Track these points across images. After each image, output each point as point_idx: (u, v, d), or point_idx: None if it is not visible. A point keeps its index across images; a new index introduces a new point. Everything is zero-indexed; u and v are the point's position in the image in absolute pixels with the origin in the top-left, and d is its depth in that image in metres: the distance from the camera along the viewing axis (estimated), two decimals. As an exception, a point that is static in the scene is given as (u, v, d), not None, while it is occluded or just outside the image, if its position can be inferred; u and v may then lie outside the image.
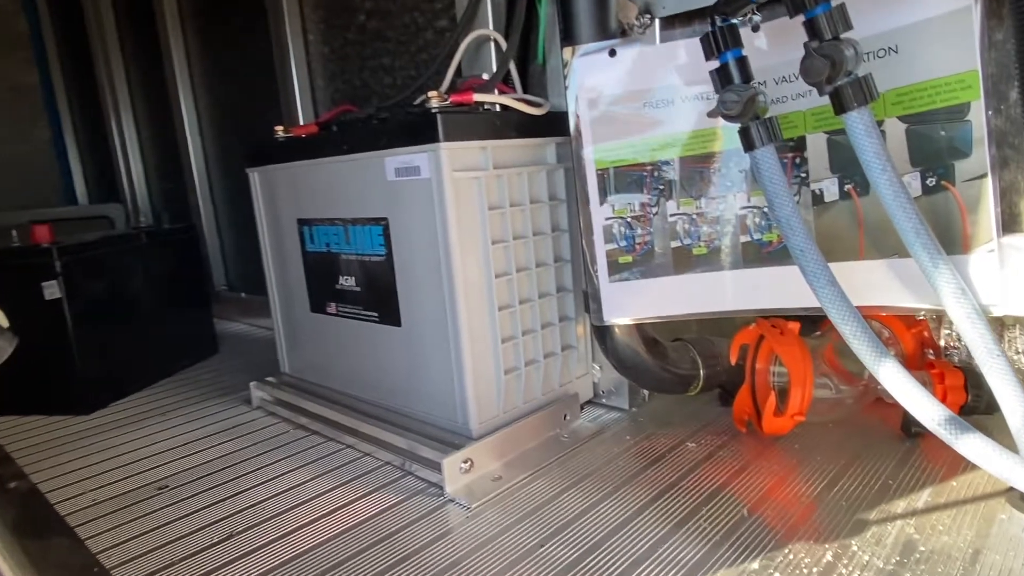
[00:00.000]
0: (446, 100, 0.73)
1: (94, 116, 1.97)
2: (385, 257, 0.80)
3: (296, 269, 0.95)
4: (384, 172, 0.77)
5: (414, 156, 0.73)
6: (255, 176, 0.99)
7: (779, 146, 0.63)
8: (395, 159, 0.75)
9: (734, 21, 0.61)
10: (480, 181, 0.73)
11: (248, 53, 1.47)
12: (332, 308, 0.91)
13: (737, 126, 0.62)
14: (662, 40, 0.71)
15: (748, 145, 0.61)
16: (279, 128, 0.96)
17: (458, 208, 0.71)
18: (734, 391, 0.83)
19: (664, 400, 0.91)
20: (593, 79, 0.73)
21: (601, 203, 0.75)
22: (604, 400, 0.91)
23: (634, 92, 0.72)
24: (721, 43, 0.61)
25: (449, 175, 0.70)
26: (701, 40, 0.62)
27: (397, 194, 0.76)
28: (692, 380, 0.83)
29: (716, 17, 0.61)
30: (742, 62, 0.61)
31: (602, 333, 0.79)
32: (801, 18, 0.57)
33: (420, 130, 0.71)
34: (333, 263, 0.88)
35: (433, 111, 0.71)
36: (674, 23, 0.71)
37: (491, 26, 0.91)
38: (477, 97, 0.74)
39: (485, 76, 0.94)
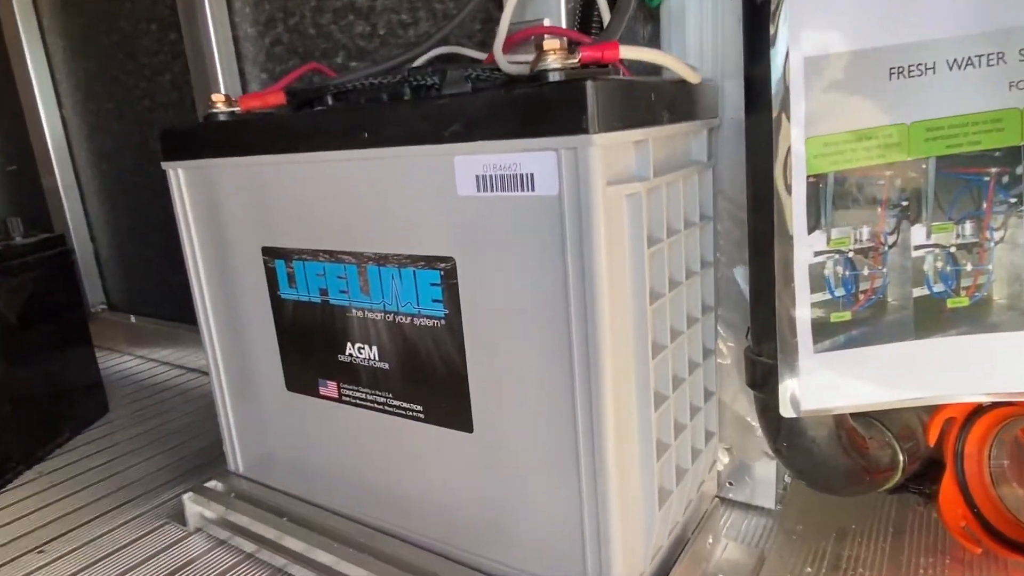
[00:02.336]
0: (573, 57, 0.41)
1: None
2: (445, 320, 0.48)
3: (259, 323, 0.60)
4: (451, 182, 0.44)
5: (524, 157, 0.41)
6: (179, 176, 0.61)
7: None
8: (478, 160, 0.42)
9: None
10: (639, 199, 0.42)
11: (128, -13, 1.04)
12: (330, 389, 0.57)
13: None
14: (921, -36, 0.43)
15: None
16: (218, 99, 0.59)
17: (609, 245, 0.40)
18: (936, 482, 0.59)
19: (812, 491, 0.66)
20: (818, 24, 0.44)
21: (811, 230, 0.47)
22: (731, 495, 0.64)
23: (874, 52, 0.44)
24: None
25: (600, 190, 0.39)
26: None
27: (477, 220, 0.44)
28: (891, 475, 0.58)
29: None
30: None
31: (786, 426, 0.52)
32: None
33: (545, 110, 0.39)
34: (334, 321, 0.55)
35: (566, 78, 0.40)
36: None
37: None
38: (625, 52, 0.42)
39: (547, 21, 0.62)
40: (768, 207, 0.48)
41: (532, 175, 0.41)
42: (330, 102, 0.53)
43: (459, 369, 0.48)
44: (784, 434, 0.53)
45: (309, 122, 0.50)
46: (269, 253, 0.57)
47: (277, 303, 0.58)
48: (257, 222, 0.57)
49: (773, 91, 0.45)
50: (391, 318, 0.51)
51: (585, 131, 0.38)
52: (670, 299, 0.47)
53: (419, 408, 0.52)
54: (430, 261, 0.47)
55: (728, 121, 0.56)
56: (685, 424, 0.52)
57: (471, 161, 0.43)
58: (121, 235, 1.25)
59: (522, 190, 0.41)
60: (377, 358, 0.53)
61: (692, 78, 0.47)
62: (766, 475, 0.62)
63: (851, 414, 0.55)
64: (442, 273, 0.47)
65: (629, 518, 0.45)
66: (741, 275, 0.59)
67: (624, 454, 0.44)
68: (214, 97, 0.59)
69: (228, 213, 0.59)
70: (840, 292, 0.48)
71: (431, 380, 0.50)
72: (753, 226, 0.51)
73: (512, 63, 0.49)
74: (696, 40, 0.55)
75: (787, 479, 0.65)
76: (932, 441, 0.57)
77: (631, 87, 0.42)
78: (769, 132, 0.46)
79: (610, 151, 0.39)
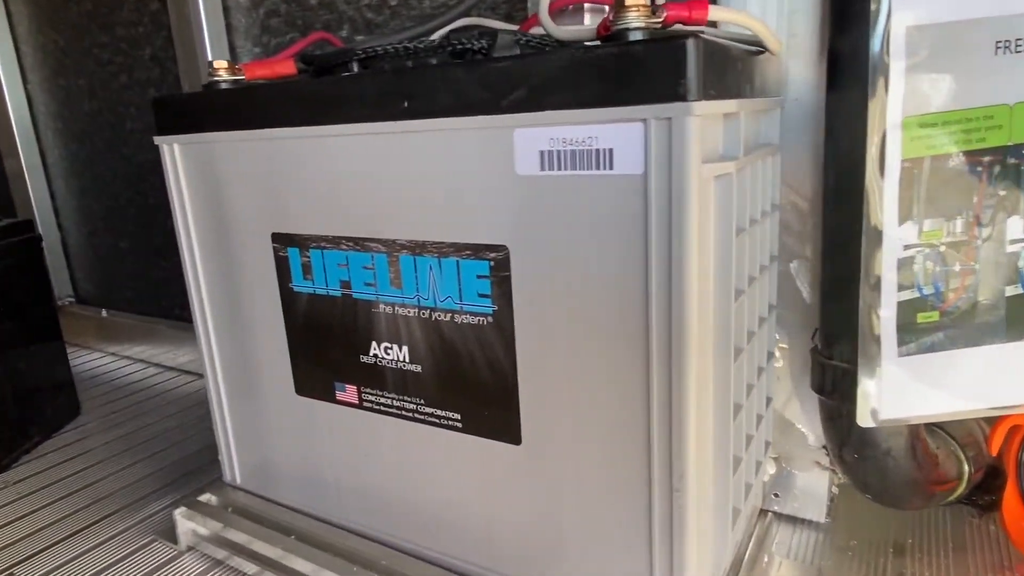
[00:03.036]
0: (657, 16, 0.35)
1: None
2: (493, 318, 0.42)
3: (266, 320, 0.54)
4: (508, 159, 0.38)
5: (603, 130, 0.35)
6: (174, 152, 0.54)
7: None
8: (543, 134, 0.37)
9: None
10: (729, 182, 0.37)
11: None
12: (348, 394, 0.51)
13: None
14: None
15: None
16: (220, 66, 0.52)
17: (700, 234, 0.35)
18: (992, 493, 0.56)
19: (859, 501, 0.62)
20: (925, -10, 0.39)
21: (901, 221, 0.42)
22: (777, 507, 0.60)
23: (979, 23, 0.40)
24: None
25: (696, 169, 0.33)
26: None
27: (538, 203, 0.38)
28: (956, 486, 0.54)
29: None
30: None
31: (857, 435, 0.48)
32: None
33: (635, 73, 0.33)
34: (357, 318, 0.48)
35: (655, 38, 0.34)
36: None
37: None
38: (715, 14, 0.37)
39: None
40: (852, 196, 0.43)
41: (611, 151, 0.35)
42: (356, 69, 0.47)
43: (507, 373, 0.43)
44: (854, 444, 0.49)
45: (338, 89, 0.44)
46: (281, 240, 0.51)
47: (288, 297, 0.52)
48: (267, 205, 0.50)
49: (871, 65, 0.40)
50: (427, 315, 0.45)
51: (683, 98, 0.32)
52: (748, 296, 0.42)
53: (456, 416, 0.46)
54: (477, 250, 0.41)
55: (791, 103, 0.51)
56: (753, 435, 0.47)
57: (535, 134, 0.37)
58: (92, 223, 1.16)
59: (597, 168, 0.36)
60: (407, 359, 0.47)
61: (777, 48, 0.42)
62: (816, 486, 0.58)
63: (924, 423, 0.51)
64: (492, 264, 0.41)
65: (703, 541, 0.40)
66: (798, 270, 0.54)
67: (701, 470, 0.39)
68: (216, 64, 0.52)
69: (233, 195, 0.52)
70: (929, 290, 0.44)
71: (472, 385, 0.44)
72: (832, 217, 0.46)
73: (565, 30, 0.44)
74: (758, 12, 0.50)
75: (835, 490, 0.61)
76: (994, 451, 0.53)
77: (726, 52, 0.36)
78: (858, 112, 0.42)
79: (706, 123, 0.34)
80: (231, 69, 0.53)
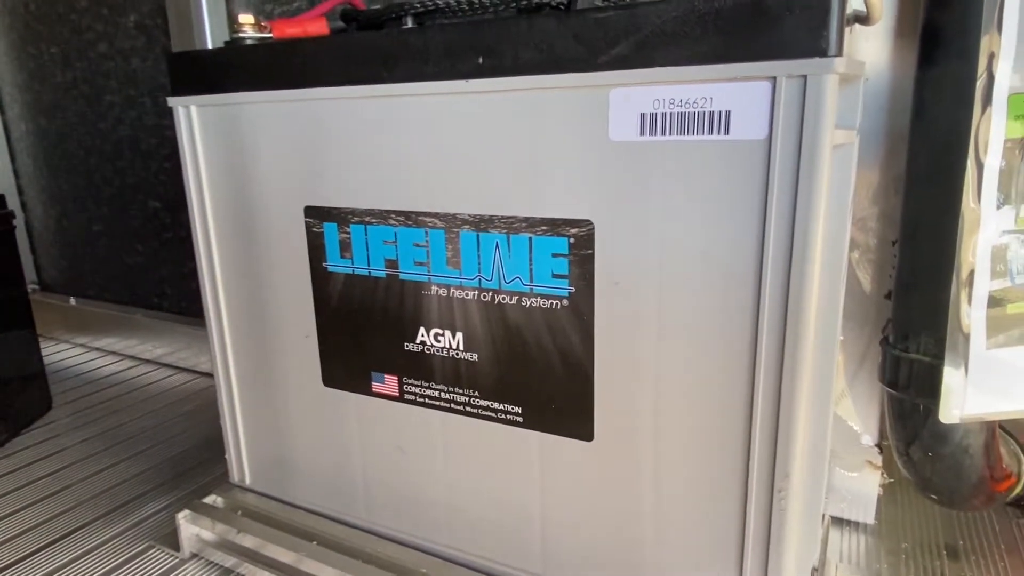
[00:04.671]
0: (776, -33, 0.32)
1: None
2: (569, 301, 0.38)
3: (291, 303, 0.49)
4: (601, 123, 0.35)
5: (720, 89, 0.32)
6: (191, 115, 0.49)
7: None
8: (647, 94, 0.33)
9: None
10: (851, 153, 0.34)
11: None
12: (388, 386, 0.46)
13: None
14: None
15: None
16: (247, 21, 0.47)
17: (826, 206, 0.31)
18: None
19: (901, 502, 0.60)
20: (1046, -43, 0.37)
21: (1000, 206, 0.40)
22: (823, 508, 0.57)
23: (1092, -7, 0.38)
24: None
25: (830, 134, 0.30)
26: None
27: (635, 172, 0.35)
28: (1015, 486, 0.52)
29: None
30: None
31: (930, 431, 0.45)
32: None
33: (765, 25, 0.30)
34: (403, 301, 0.44)
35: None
36: None
37: None
38: (835, -32, 0.34)
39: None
40: (946, 178, 0.41)
41: (727, 113, 0.32)
42: (408, 24, 0.43)
43: (582, 362, 0.39)
44: (926, 441, 0.46)
45: (400, 44, 0.39)
46: (315, 215, 0.46)
47: (321, 277, 0.47)
48: (301, 175, 0.45)
49: (982, 39, 0.37)
50: (488, 297, 0.41)
51: (823, 53, 0.29)
52: (841, 279, 0.39)
53: (516, 410, 0.42)
54: (556, 225, 0.37)
55: (861, 83, 0.49)
56: (829, 429, 0.44)
57: (637, 95, 0.33)
58: (61, 204, 1.08)
59: (710, 133, 0.32)
60: (461, 347, 0.43)
61: (879, 18, 0.39)
62: (865, 487, 0.56)
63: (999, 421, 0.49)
64: (571, 241, 0.37)
65: (800, 548, 0.37)
66: (859, 261, 0.52)
67: (804, 463, 0.36)
68: (242, 19, 0.47)
69: (259, 163, 0.47)
70: (1022, 279, 0.41)
71: (539, 376, 0.40)
72: (917, 201, 0.44)
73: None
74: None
75: (880, 491, 0.58)
76: (1048, 448, 0.52)
77: (844, 9, 0.33)
78: (956, 89, 0.39)
79: (842, 86, 0.31)
80: (258, 26, 0.48)
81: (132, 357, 1.04)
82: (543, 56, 0.35)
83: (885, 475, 0.58)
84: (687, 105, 0.33)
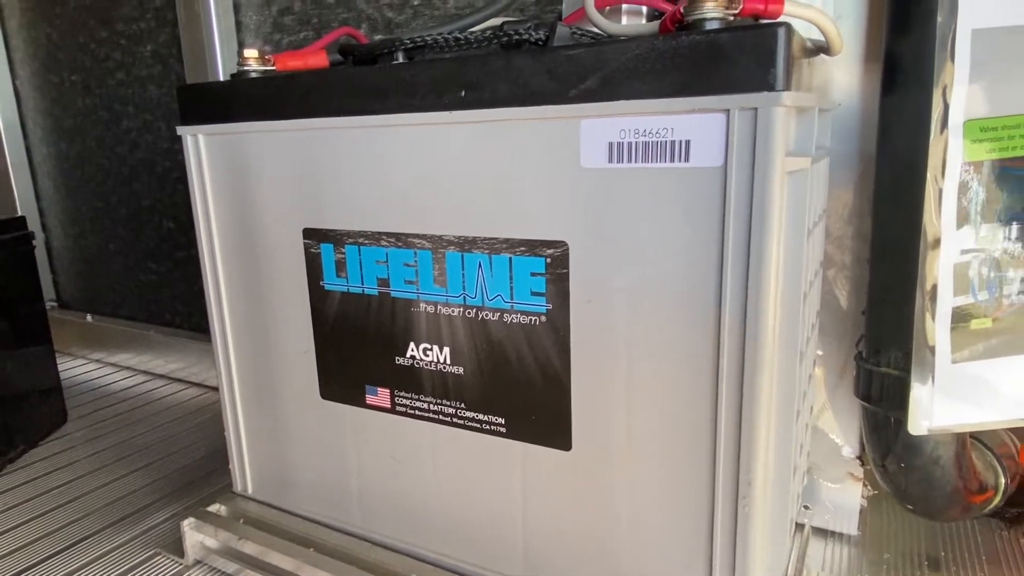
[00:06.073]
0: (733, 7, 0.35)
1: None
2: (547, 317, 0.41)
3: (291, 320, 0.51)
4: (573, 151, 0.37)
5: (680, 120, 0.34)
6: (199, 144, 0.52)
7: None
8: (614, 125, 0.36)
9: None
10: (805, 177, 0.36)
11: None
12: (381, 398, 0.49)
13: None
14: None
15: None
16: (251, 55, 0.50)
17: (780, 230, 0.34)
18: (1018, 504, 0.55)
19: (886, 514, 0.61)
20: (993, -10, 0.39)
21: (960, 225, 0.42)
22: (808, 519, 0.59)
23: (1042, 25, 0.40)
24: None
25: (781, 162, 0.32)
26: None
27: (604, 197, 0.37)
28: (992, 497, 0.53)
29: None
30: None
31: (903, 443, 0.47)
32: None
33: (720, 62, 0.32)
34: (395, 317, 0.46)
35: (735, 25, 0.33)
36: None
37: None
38: (790, 8, 0.36)
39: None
40: (908, 199, 0.43)
41: (687, 142, 0.34)
42: (401, 60, 0.46)
43: (559, 375, 0.41)
44: (899, 453, 0.48)
45: (389, 78, 0.42)
46: (313, 236, 0.48)
47: (318, 295, 0.49)
48: (301, 199, 0.48)
49: (935, 68, 0.40)
50: (473, 314, 0.43)
51: (771, 87, 0.31)
52: (808, 299, 0.41)
53: (500, 421, 0.44)
54: (533, 246, 0.40)
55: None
56: (803, 443, 0.46)
57: (604, 125, 0.36)
58: (80, 224, 1.12)
59: (672, 161, 0.35)
60: (448, 361, 0.45)
61: (839, 51, 0.41)
62: (848, 498, 0.57)
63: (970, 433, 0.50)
64: (548, 260, 0.40)
65: (765, 551, 0.39)
66: (836, 278, 0.54)
67: (767, 477, 0.37)
68: (247, 52, 0.50)
69: (262, 188, 0.50)
70: (984, 296, 0.43)
71: (520, 388, 0.43)
72: (884, 221, 0.46)
73: (617, 26, 0.43)
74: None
75: (863, 503, 0.60)
76: (1027, 462, 0.53)
77: (802, 43, 0.36)
78: (917, 115, 0.41)
79: (793, 116, 0.33)
80: (262, 59, 0.51)
81: (146, 372, 1.07)
82: (520, 90, 0.38)
83: (868, 486, 0.60)
84: (650, 135, 0.35)
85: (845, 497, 0.57)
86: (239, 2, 0.83)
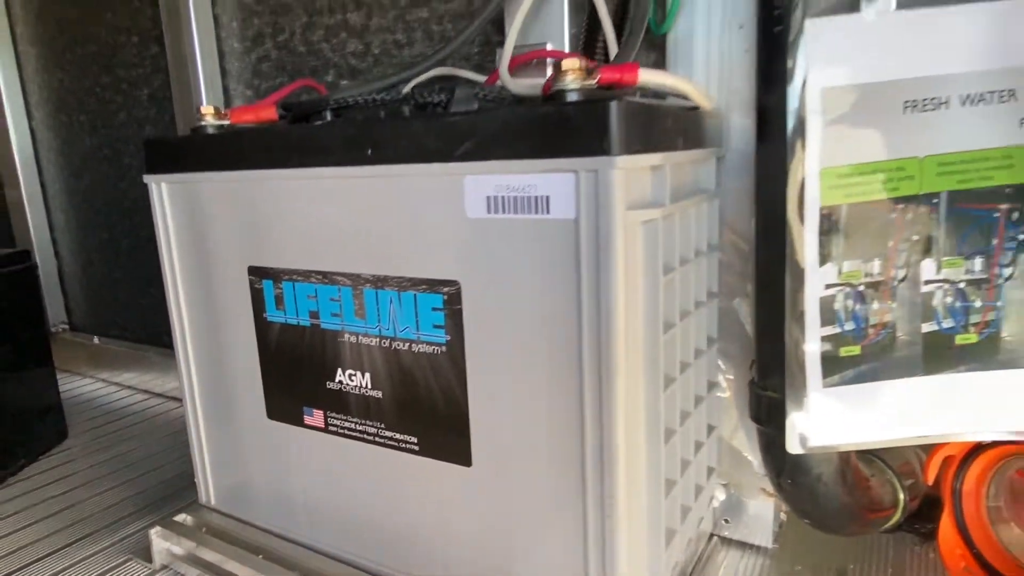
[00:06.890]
0: (592, 78, 0.40)
1: None
2: (447, 347, 0.46)
3: (241, 347, 0.57)
4: (460, 203, 0.42)
5: (540, 179, 0.39)
6: (162, 190, 0.59)
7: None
8: (489, 181, 0.41)
9: None
10: (655, 226, 0.41)
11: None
12: (316, 419, 0.54)
13: None
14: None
15: None
16: (207, 111, 0.57)
17: (627, 272, 0.38)
18: (932, 522, 0.58)
19: (806, 528, 0.64)
20: (836, 55, 0.44)
21: (822, 262, 0.46)
22: (727, 532, 0.63)
23: (890, 85, 0.44)
24: None
25: (620, 215, 0.37)
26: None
27: (486, 243, 0.42)
28: (892, 513, 0.56)
29: None
30: None
31: (791, 462, 0.51)
32: None
33: (566, 130, 0.38)
34: (324, 346, 0.52)
35: (584, 99, 0.39)
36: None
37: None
38: (644, 76, 0.41)
39: (549, 46, 0.62)
40: (778, 239, 0.47)
41: (548, 198, 0.39)
42: (329, 117, 0.51)
43: (459, 398, 0.46)
44: (788, 471, 0.52)
45: (309, 136, 0.48)
46: (256, 273, 0.54)
47: (262, 326, 0.55)
48: (245, 240, 0.54)
49: (789, 122, 0.44)
50: (387, 344, 0.48)
51: (607, 152, 0.36)
52: (680, 330, 0.46)
53: (413, 440, 0.49)
54: (433, 285, 0.45)
55: (733, 152, 0.55)
56: (690, 460, 0.50)
57: (482, 181, 0.41)
58: (88, 253, 1.20)
59: (536, 213, 0.40)
60: (369, 386, 0.50)
61: (708, 104, 0.46)
62: (763, 512, 0.61)
63: (855, 451, 0.54)
64: (445, 297, 0.45)
65: (636, 558, 0.43)
66: (742, 307, 0.58)
67: (633, 491, 0.42)
68: (203, 109, 0.57)
69: (213, 230, 0.56)
70: (850, 326, 0.47)
71: (427, 410, 0.48)
72: (761, 258, 0.50)
73: (520, 85, 0.49)
74: (703, 69, 0.55)
75: (783, 517, 0.63)
76: (930, 480, 0.56)
77: (651, 110, 0.41)
78: (781, 163, 0.46)
79: (630, 175, 0.38)
80: (217, 114, 0.57)
81: (145, 391, 1.14)
82: (416, 148, 0.43)
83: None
84: (518, 190, 0.40)
85: (760, 511, 0.61)
86: (223, 50, 0.90)
